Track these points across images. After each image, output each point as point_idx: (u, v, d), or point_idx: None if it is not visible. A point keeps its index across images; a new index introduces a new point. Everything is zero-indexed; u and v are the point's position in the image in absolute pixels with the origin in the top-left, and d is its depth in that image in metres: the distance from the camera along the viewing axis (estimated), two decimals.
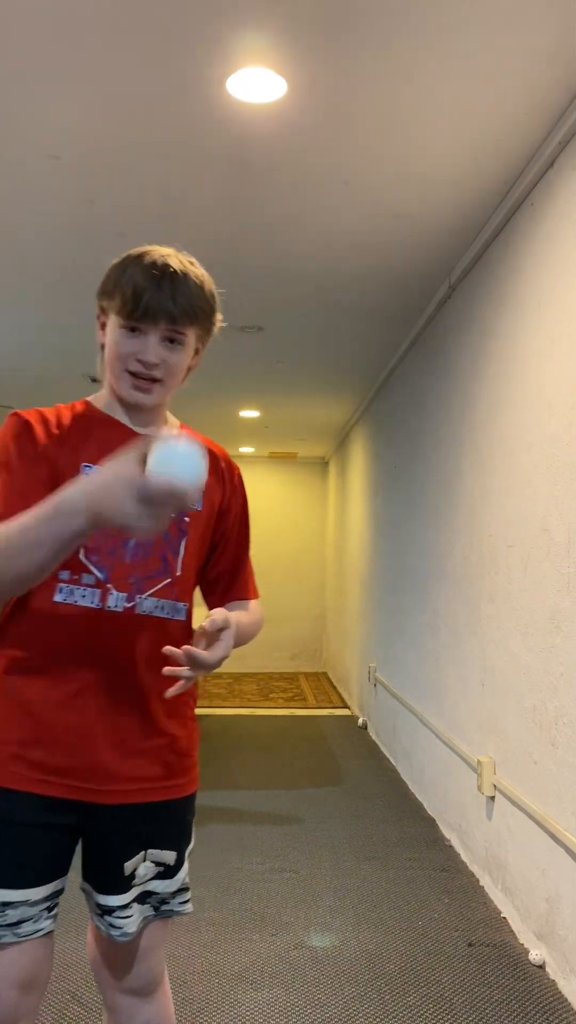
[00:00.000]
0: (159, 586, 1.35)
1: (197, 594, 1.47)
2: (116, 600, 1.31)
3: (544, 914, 2.53)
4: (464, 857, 3.38)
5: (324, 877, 3.18)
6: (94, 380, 6.48)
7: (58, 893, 1.32)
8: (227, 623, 1.28)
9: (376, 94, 2.40)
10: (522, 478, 2.83)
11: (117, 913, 1.34)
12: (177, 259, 1.32)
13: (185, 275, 1.30)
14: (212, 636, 1.27)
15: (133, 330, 1.30)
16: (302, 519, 9.87)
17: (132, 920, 1.35)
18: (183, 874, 1.42)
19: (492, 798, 3.05)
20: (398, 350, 4.98)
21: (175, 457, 1.04)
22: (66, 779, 1.29)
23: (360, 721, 6.31)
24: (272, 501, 9.84)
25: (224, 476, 1.47)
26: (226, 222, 3.25)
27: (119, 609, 1.31)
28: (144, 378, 1.32)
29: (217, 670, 1.40)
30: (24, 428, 1.31)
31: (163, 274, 1.29)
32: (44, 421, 1.33)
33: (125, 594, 1.32)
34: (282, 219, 3.23)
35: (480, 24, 2.09)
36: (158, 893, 1.39)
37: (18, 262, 3.72)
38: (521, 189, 2.84)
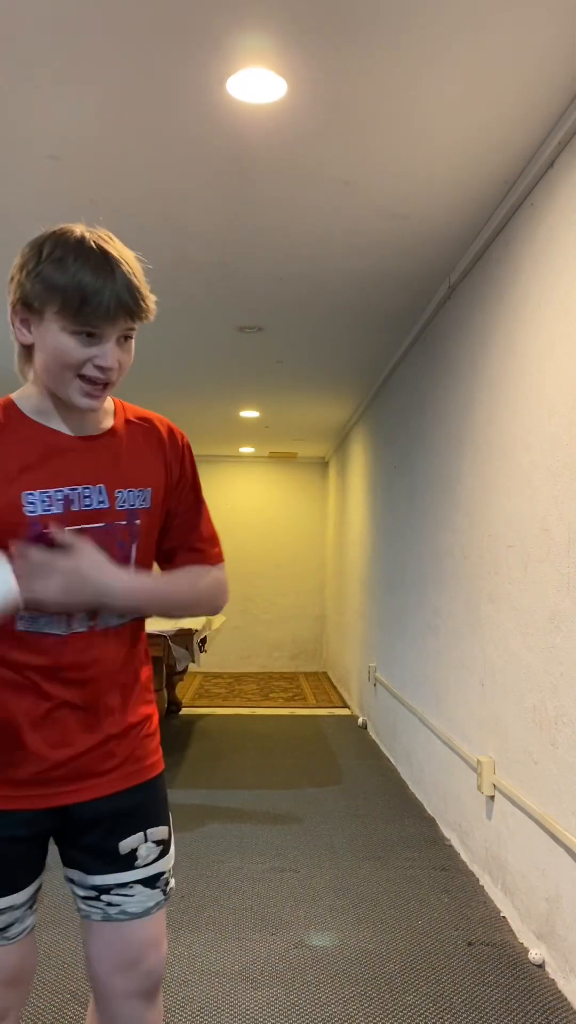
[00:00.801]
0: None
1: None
2: (79, 621, 1.30)
3: (544, 914, 2.53)
4: (464, 857, 3.38)
5: (324, 877, 3.18)
6: None
7: (39, 889, 1.38)
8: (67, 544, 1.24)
9: (376, 94, 2.40)
10: (522, 478, 2.83)
11: (115, 891, 1.36)
12: (108, 243, 1.22)
13: (125, 261, 1.21)
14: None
15: (89, 335, 1.20)
16: (302, 519, 9.87)
17: (134, 900, 1.37)
18: (173, 847, 1.46)
19: (492, 798, 3.05)
20: (398, 350, 4.98)
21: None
22: (48, 788, 1.31)
23: (360, 721, 6.32)
24: (272, 501, 9.85)
25: (171, 449, 1.40)
26: (226, 222, 3.25)
27: (84, 629, 1.31)
28: (99, 383, 1.24)
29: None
30: None
31: (108, 264, 1.19)
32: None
33: (85, 615, 1.31)
34: (282, 219, 3.23)
35: (480, 24, 2.09)
36: (164, 873, 1.41)
37: None
38: (521, 189, 2.84)
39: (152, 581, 1.36)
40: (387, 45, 2.18)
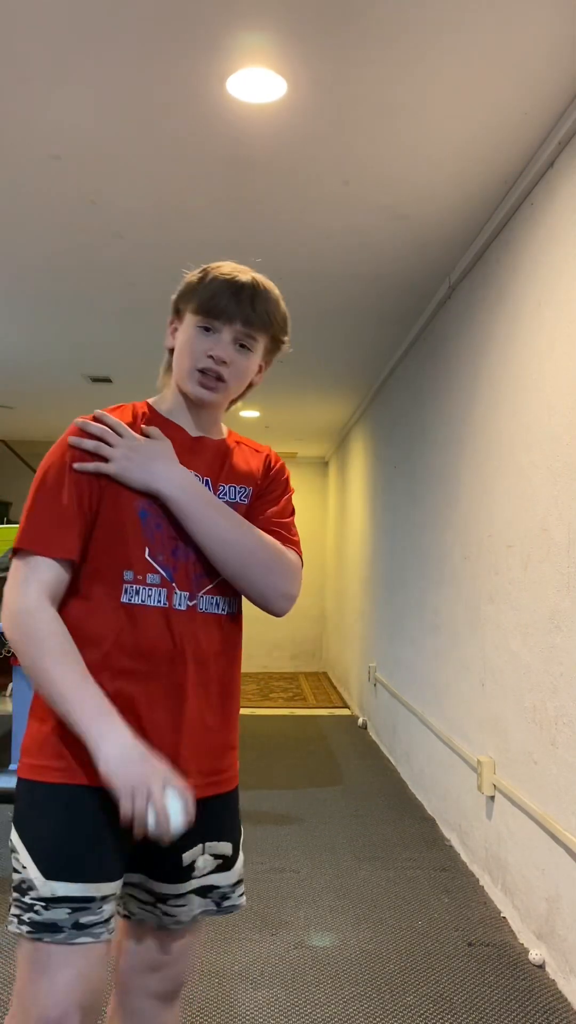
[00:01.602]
0: (213, 583, 1.38)
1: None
2: (180, 599, 1.35)
3: (544, 914, 2.53)
4: (464, 857, 3.38)
5: (324, 877, 3.18)
6: (95, 380, 6.51)
7: None
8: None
9: (376, 94, 2.40)
10: (522, 478, 2.83)
11: (172, 901, 1.36)
12: (257, 276, 1.39)
13: (264, 288, 1.38)
14: None
15: (207, 329, 1.36)
16: (302, 519, 9.76)
17: (186, 910, 1.37)
18: (240, 865, 1.44)
19: (492, 798, 3.05)
20: (398, 350, 4.98)
21: (176, 812, 1.20)
22: None
23: (360, 721, 6.31)
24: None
25: (265, 470, 1.51)
26: (226, 222, 3.25)
27: (183, 608, 1.35)
28: (212, 374, 1.37)
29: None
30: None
31: (243, 283, 1.36)
32: (99, 419, 1.38)
33: (187, 592, 1.35)
34: (282, 219, 3.23)
35: (479, 25, 2.09)
36: (219, 887, 1.41)
37: (18, 262, 3.72)
38: (521, 189, 2.84)
39: (215, 498, 1.39)
40: (387, 45, 2.18)
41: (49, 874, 1.23)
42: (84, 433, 1.34)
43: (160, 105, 2.47)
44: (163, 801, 1.19)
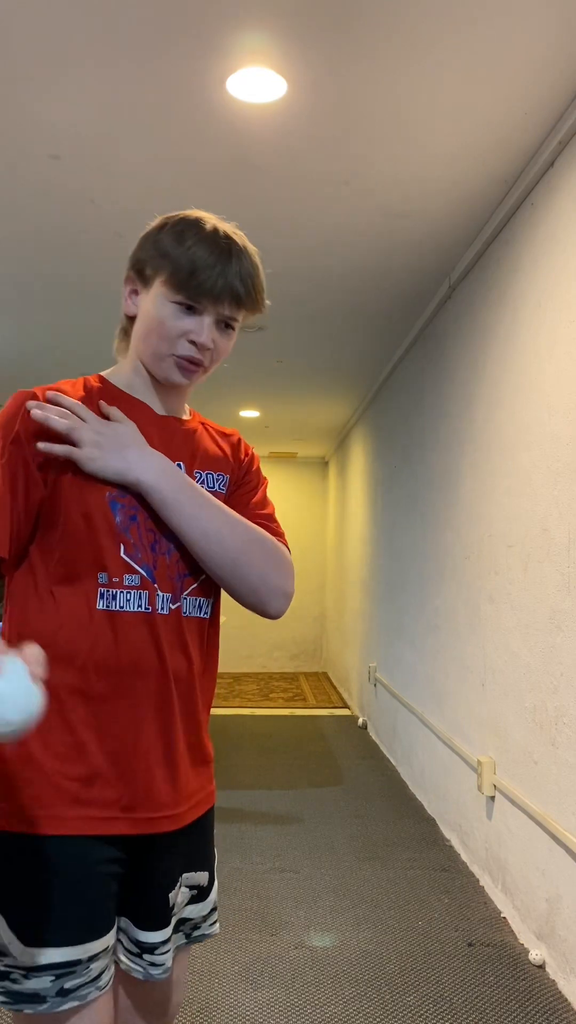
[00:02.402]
0: (197, 583, 1.22)
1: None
2: (162, 602, 1.17)
3: (544, 914, 2.53)
4: (464, 857, 3.38)
5: (324, 877, 3.18)
6: None
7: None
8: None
9: (376, 94, 2.40)
10: (522, 478, 2.83)
11: (159, 949, 1.19)
12: (234, 232, 1.20)
13: (246, 250, 1.20)
14: None
15: (189, 308, 1.16)
16: (302, 519, 9.87)
17: (169, 954, 1.21)
18: (214, 893, 1.30)
19: (492, 798, 3.05)
20: (398, 350, 4.98)
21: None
22: (128, 813, 1.14)
23: (360, 721, 6.31)
24: (272, 501, 9.84)
25: (239, 456, 1.34)
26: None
27: (166, 612, 1.17)
28: (192, 361, 1.19)
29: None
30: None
31: (229, 250, 1.17)
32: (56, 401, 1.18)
33: (170, 594, 1.18)
34: (282, 219, 3.23)
35: (480, 25, 2.09)
36: (191, 919, 1.26)
37: (18, 262, 3.72)
38: (521, 189, 2.84)
39: (198, 487, 1.21)
40: (388, 45, 2.18)
41: (28, 939, 1.07)
42: (46, 409, 1.13)
43: (160, 105, 2.47)
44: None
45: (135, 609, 1.14)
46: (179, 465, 1.22)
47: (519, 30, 2.11)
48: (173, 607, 1.18)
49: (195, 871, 1.25)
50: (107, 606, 1.13)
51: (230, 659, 9.47)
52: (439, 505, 4.00)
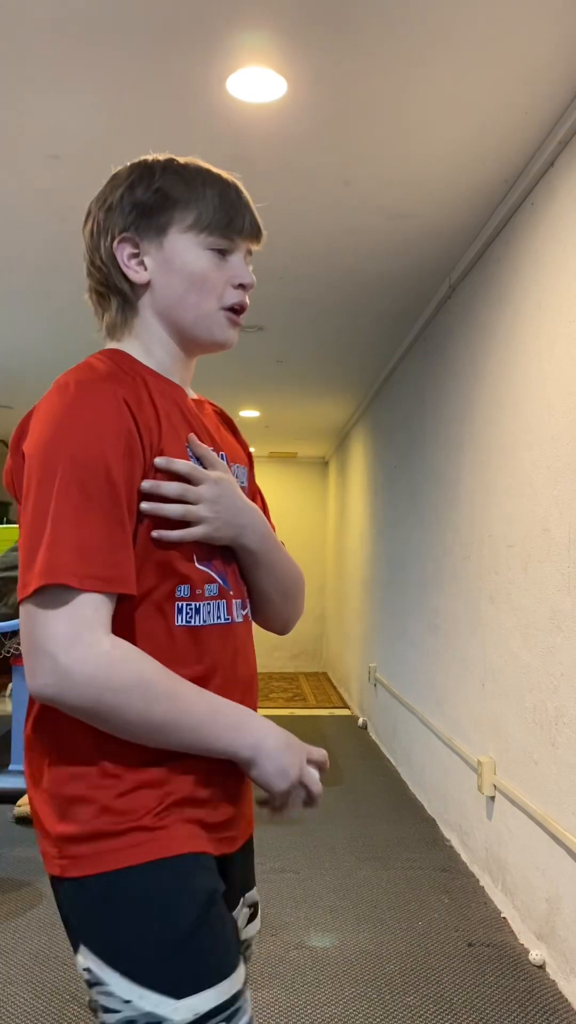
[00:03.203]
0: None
1: None
2: (237, 609, 1.09)
3: (544, 914, 2.52)
4: (464, 857, 3.38)
5: (324, 878, 3.18)
6: None
7: None
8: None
9: (376, 94, 2.40)
10: (522, 478, 2.83)
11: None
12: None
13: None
14: None
15: (222, 252, 1.06)
16: (302, 519, 9.87)
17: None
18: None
19: (492, 798, 3.05)
20: (398, 350, 4.98)
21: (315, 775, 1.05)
22: (226, 832, 1.06)
23: (360, 721, 6.31)
24: (272, 501, 9.68)
25: (244, 444, 1.25)
26: None
27: (240, 620, 1.09)
28: (241, 308, 1.08)
29: None
30: (127, 417, 0.98)
31: (233, 182, 1.10)
32: (138, 401, 1.01)
33: (240, 600, 1.10)
34: (282, 218, 3.23)
35: (480, 24, 2.09)
36: (247, 939, 1.15)
37: (18, 262, 3.72)
38: (521, 189, 2.84)
39: (272, 532, 1.14)
40: (388, 45, 2.18)
41: (181, 991, 0.89)
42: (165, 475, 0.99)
43: (160, 104, 2.47)
44: (309, 771, 1.03)
45: (215, 621, 1.04)
46: (222, 456, 1.11)
47: (519, 30, 2.11)
48: (244, 612, 1.11)
49: (250, 889, 1.16)
50: (188, 621, 1.01)
51: None
52: (439, 505, 4.00)
